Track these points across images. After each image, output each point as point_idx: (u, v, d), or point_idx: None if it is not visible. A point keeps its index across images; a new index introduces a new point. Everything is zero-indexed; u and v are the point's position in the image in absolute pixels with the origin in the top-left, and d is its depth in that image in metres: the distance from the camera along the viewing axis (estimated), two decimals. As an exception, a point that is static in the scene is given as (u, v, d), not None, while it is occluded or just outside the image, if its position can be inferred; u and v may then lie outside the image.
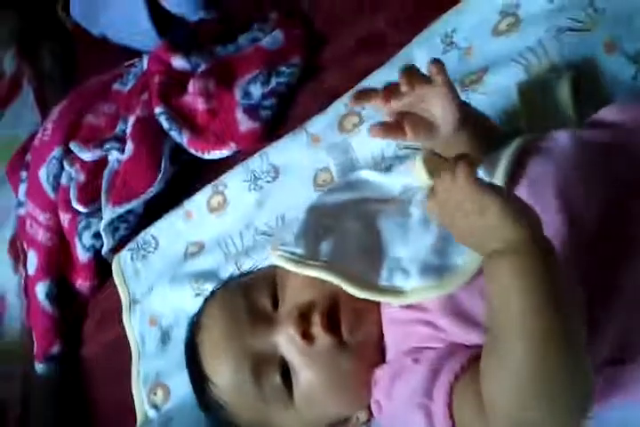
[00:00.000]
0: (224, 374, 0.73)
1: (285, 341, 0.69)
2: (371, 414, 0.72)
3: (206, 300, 0.82)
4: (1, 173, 1.48)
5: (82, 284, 1.20)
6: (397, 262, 0.68)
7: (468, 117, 0.69)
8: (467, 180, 0.54)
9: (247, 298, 0.74)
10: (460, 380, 0.60)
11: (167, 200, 1.18)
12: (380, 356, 0.70)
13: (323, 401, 0.70)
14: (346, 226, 0.76)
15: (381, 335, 0.70)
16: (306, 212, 0.81)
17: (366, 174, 0.84)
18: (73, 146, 1.21)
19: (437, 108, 0.66)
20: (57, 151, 1.23)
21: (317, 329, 0.68)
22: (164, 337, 1.05)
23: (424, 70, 1.02)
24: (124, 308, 1.12)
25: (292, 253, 0.72)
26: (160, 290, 1.09)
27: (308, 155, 1.04)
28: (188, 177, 1.20)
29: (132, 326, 1.10)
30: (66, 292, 1.21)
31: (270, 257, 0.78)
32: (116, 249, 1.18)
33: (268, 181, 1.06)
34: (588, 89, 0.81)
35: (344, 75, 1.10)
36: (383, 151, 0.96)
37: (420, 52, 1.02)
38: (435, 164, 0.71)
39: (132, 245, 1.16)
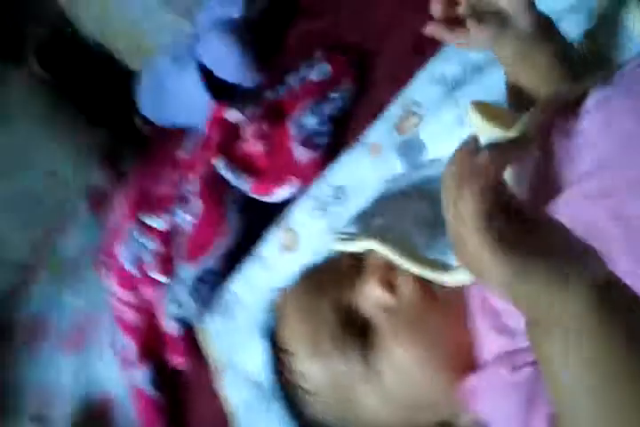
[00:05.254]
0: (304, 350, 0.65)
1: (367, 297, 0.63)
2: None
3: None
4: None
5: (177, 359, 1.12)
6: None
7: (551, 29, 0.62)
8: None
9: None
10: None
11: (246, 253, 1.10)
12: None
13: (413, 372, 0.60)
14: (406, 204, 0.68)
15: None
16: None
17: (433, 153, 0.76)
18: (142, 216, 1.18)
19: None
20: (131, 225, 1.21)
21: (401, 278, 0.62)
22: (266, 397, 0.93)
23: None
24: (215, 377, 1.02)
25: (343, 233, 0.66)
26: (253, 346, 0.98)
27: (373, 166, 0.94)
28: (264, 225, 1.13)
29: (228, 395, 0.99)
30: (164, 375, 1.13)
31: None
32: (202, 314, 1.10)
33: (335, 204, 0.96)
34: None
35: (395, 86, 1.01)
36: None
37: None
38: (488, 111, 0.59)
39: (215, 306, 1.08)
